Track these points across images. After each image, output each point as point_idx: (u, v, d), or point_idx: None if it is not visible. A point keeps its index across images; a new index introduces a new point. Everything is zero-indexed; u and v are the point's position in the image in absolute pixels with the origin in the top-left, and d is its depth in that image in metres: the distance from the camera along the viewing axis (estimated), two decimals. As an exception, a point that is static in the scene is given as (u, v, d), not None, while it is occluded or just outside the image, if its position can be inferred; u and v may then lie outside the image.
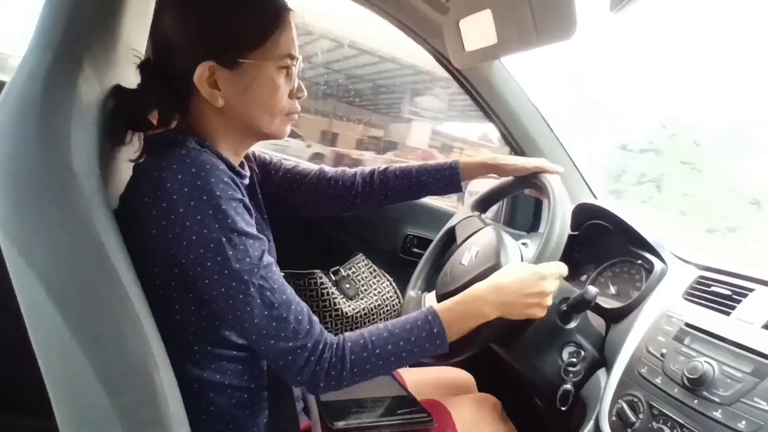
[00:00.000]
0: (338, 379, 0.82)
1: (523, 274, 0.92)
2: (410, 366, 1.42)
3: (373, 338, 0.84)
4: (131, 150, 0.93)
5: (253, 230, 0.80)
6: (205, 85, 0.82)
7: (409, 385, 1.24)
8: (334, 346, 0.82)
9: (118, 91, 0.85)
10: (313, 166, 1.23)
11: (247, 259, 0.77)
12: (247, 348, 0.88)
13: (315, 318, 0.83)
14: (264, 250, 0.80)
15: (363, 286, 1.50)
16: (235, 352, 0.87)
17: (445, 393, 1.25)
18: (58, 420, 0.73)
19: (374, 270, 1.54)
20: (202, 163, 0.77)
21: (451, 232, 1.30)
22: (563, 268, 0.97)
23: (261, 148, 1.36)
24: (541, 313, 0.94)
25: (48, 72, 0.72)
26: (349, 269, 1.52)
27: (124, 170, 0.88)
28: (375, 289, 1.52)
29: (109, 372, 0.70)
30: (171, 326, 0.81)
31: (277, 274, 0.81)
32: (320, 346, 0.81)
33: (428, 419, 1.04)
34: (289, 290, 0.81)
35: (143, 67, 0.86)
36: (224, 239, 0.76)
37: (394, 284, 1.56)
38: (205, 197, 0.75)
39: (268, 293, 0.78)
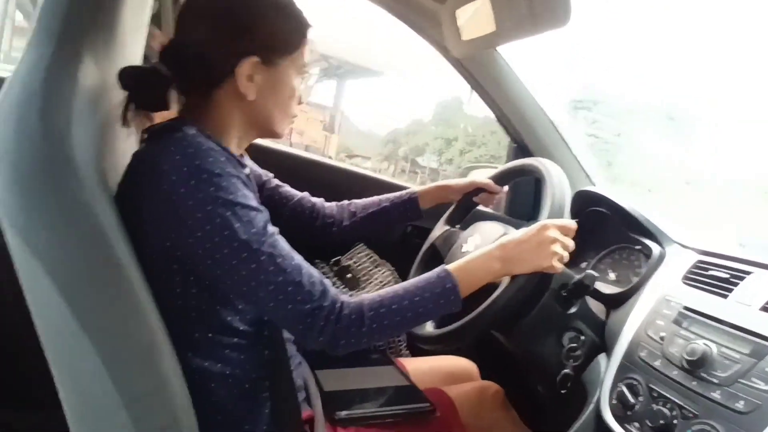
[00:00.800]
0: (358, 336, 0.83)
1: (528, 230, 0.96)
2: (413, 355, 1.45)
3: (389, 296, 0.87)
4: (131, 140, 0.94)
5: (254, 203, 0.81)
6: (244, 79, 0.86)
7: (411, 374, 1.25)
8: (351, 304, 0.84)
9: (130, 71, 0.84)
10: (296, 192, 1.27)
11: (253, 230, 0.79)
12: (249, 335, 0.89)
13: (327, 280, 0.85)
14: (267, 221, 0.82)
15: (364, 275, 1.51)
16: (236, 340, 0.88)
17: (448, 381, 1.26)
18: (66, 411, 0.74)
19: (375, 259, 1.54)
20: (199, 144, 0.79)
21: (432, 247, 1.31)
22: (570, 223, 0.99)
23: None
24: (548, 262, 0.94)
25: (49, 64, 0.72)
26: (350, 259, 1.53)
27: (125, 160, 0.89)
28: (376, 279, 1.53)
29: (116, 361, 0.71)
30: (173, 314, 0.82)
31: (284, 242, 0.83)
32: (337, 305, 0.83)
33: (430, 408, 1.05)
34: (298, 256, 0.83)
35: (171, 46, 0.88)
36: (228, 213, 0.77)
37: (395, 273, 1.57)
38: (204, 175, 0.77)
39: (279, 259, 0.80)
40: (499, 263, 0.94)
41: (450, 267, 0.93)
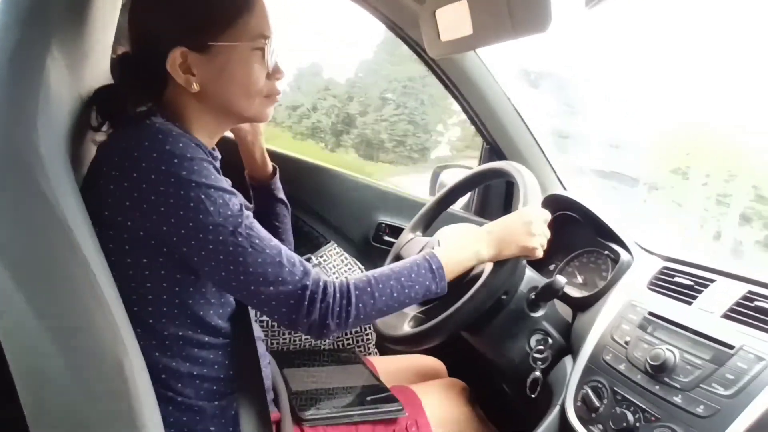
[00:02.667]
0: (346, 316, 0.83)
1: (511, 215, 0.99)
2: (382, 354, 1.45)
3: (376, 275, 0.87)
4: (99, 132, 0.91)
5: (228, 186, 0.80)
6: (179, 71, 0.81)
7: (380, 373, 1.25)
8: (337, 284, 0.83)
9: (98, 91, 0.86)
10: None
11: (229, 212, 0.77)
12: (220, 333, 0.88)
13: (308, 263, 0.84)
14: (242, 204, 0.81)
15: (334, 274, 1.50)
16: (207, 338, 0.86)
17: (416, 380, 1.27)
18: (25, 410, 0.71)
19: (346, 258, 1.54)
20: (168, 130, 0.77)
21: (399, 256, 1.30)
22: (545, 212, 1.02)
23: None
24: (533, 243, 0.96)
25: (15, 52, 0.70)
26: (321, 257, 1.52)
27: (92, 151, 0.86)
28: (345, 277, 1.52)
29: (78, 359, 0.69)
30: (142, 311, 0.80)
31: (259, 225, 0.82)
32: (321, 284, 0.82)
33: (399, 408, 1.05)
34: (275, 239, 0.82)
35: (122, 59, 0.87)
36: (202, 196, 0.75)
37: (366, 271, 1.56)
38: (175, 160, 0.75)
39: (257, 240, 0.79)
40: (485, 247, 0.95)
41: (437, 250, 0.94)
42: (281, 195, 1.18)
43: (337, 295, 0.82)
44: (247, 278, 0.78)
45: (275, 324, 1.36)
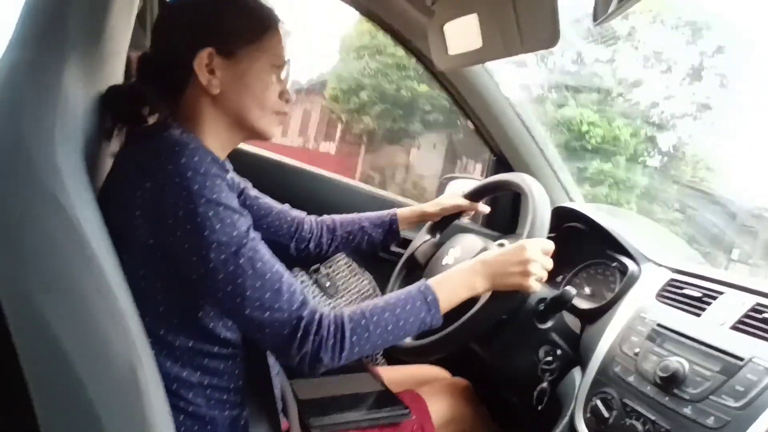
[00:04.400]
0: (339, 350, 0.82)
1: (507, 248, 0.97)
2: (389, 364, 1.45)
3: (369, 308, 0.86)
4: (115, 143, 0.93)
5: (237, 205, 0.80)
6: (204, 71, 0.85)
7: (387, 381, 1.25)
8: (332, 316, 0.83)
9: (112, 90, 0.87)
10: (275, 204, 1.25)
11: (235, 232, 0.77)
12: (230, 344, 0.88)
13: (308, 292, 0.84)
14: (250, 226, 0.81)
15: (343, 284, 1.51)
16: (217, 349, 0.87)
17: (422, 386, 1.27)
18: (39, 418, 0.72)
19: (354, 268, 1.54)
20: (184, 144, 0.78)
21: (412, 257, 1.32)
22: (548, 244, 1.00)
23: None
24: (527, 282, 0.94)
25: (32, 66, 0.71)
26: (329, 267, 1.53)
27: (109, 162, 0.88)
28: (354, 287, 1.52)
29: (93, 369, 0.69)
30: (153, 321, 0.81)
31: (266, 249, 0.82)
32: (317, 317, 0.81)
33: (406, 412, 1.06)
34: (279, 264, 0.82)
35: (143, 59, 0.90)
36: (210, 213, 0.76)
37: (374, 282, 1.57)
38: (189, 174, 0.75)
39: (259, 264, 0.78)
40: (480, 279, 0.94)
41: (431, 281, 0.93)
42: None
43: (332, 327, 0.81)
44: (243, 301, 0.77)
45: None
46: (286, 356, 0.81)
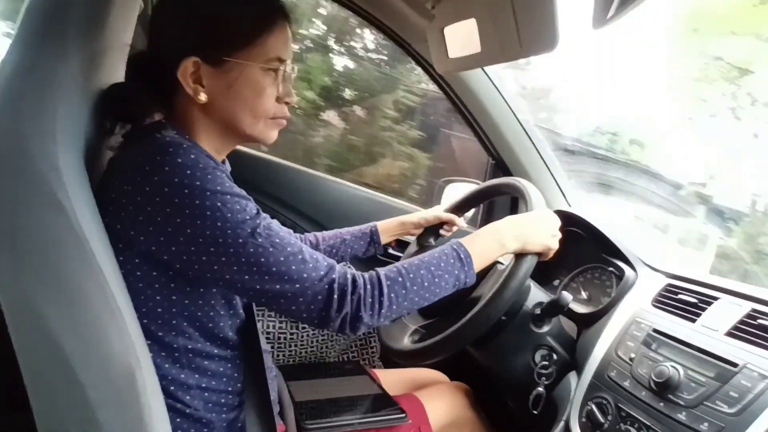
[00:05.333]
0: (379, 307, 0.81)
1: (530, 214, 1.01)
2: (386, 367, 1.45)
3: (405, 265, 0.86)
4: (114, 142, 0.93)
5: (242, 191, 0.80)
6: (189, 80, 0.82)
7: (385, 384, 1.26)
8: (366, 276, 0.82)
9: (110, 88, 0.86)
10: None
11: (247, 216, 0.77)
12: (229, 345, 0.88)
13: (331, 259, 0.83)
14: (258, 208, 0.80)
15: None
16: (216, 351, 0.87)
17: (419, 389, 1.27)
18: (36, 418, 0.72)
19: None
20: (178, 143, 0.77)
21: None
22: (556, 216, 1.04)
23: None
24: (554, 243, 0.99)
25: (33, 64, 0.71)
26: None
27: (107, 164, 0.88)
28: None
29: (91, 370, 0.69)
30: (152, 323, 0.81)
31: (278, 225, 0.81)
32: (349, 276, 0.81)
33: (402, 416, 1.06)
34: (294, 237, 0.82)
35: (132, 60, 0.88)
36: (218, 203, 0.75)
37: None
38: (188, 171, 0.75)
39: (277, 239, 0.78)
40: (510, 240, 0.96)
41: (462, 240, 0.94)
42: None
43: (368, 285, 0.81)
44: (271, 278, 0.77)
45: (281, 337, 1.36)
46: (327, 321, 0.80)
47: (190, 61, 0.81)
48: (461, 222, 1.35)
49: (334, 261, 0.83)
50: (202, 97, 0.83)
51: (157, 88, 0.85)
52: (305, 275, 0.78)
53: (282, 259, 0.77)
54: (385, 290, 0.82)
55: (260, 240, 0.76)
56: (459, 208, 1.34)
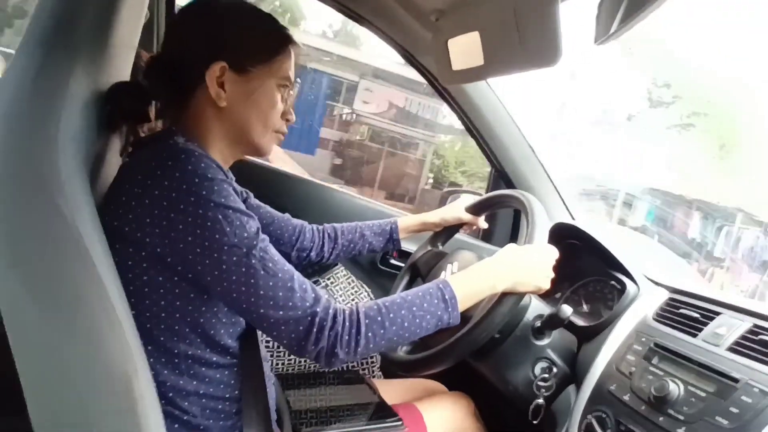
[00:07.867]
0: (355, 345, 0.81)
1: (526, 251, 0.98)
2: (385, 377, 1.45)
3: (387, 303, 0.86)
4: (118, 147, 0.94)
5: (245, 209, 0.81)
6: (214, 83, 0.87)
7: (384, 394, 1.25)
8: (346, 311, 0.83)
9: (117, 86, 0.88)
10: (276, 213, 1.27)
11: (245, 234, 0.78)
12: (229, 353, 0.89)
13: (319, 289, 0.84)
14: (259, 228, 0.81)
15: (342, 296, 1.51)
16: (216, 358, 0.87)
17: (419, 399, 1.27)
18: (33, 422, 0.72)
19: (353, 281, 1.55)
20: (190, 151, 0.80)
21: (414, 266, 1.33)
22: (555, 251, 1.01)
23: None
24: (546, 284, 0.97)
25: (39, 70, 0.72)
26: (328, 279, 1.53)
27: (111, 169, 0.88)
28: (353, 300, 1.53)
29: (88, 376, 0.69)
30: (154, 328, 0.81)
31: (275, 250, 0.82)
32: (331, 312, 0.81)
33: (399, 424, 1.05)
34: (288, 264, 0.82)
35: (153, 60, 0.91)
36: (220, 216, 0.77)
37: (372, 295, 1.57)
38: (197, 180, 0.77)
39: (270, 264, 0.79)
40: (501, 281, 0.94)
41: (451, 278, 0.93)
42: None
43: (347, 323, 0.81)
44: (257, 301, 0.78)
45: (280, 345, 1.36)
46: (303, 352, 0.81)
47: (219, 66, 0.86)
48: (483, 223, 1.36)
49: (323, 293, 0.84)
50: (223, 101, 0.88)
51: (172, 90, 0.89)
52: (290, 304, 0.79)
53: (271, 284, 0.78)
54: (363, 329, 0.82)
55: (254, 261, 0.78)
56: (480, 209, 1.35)
